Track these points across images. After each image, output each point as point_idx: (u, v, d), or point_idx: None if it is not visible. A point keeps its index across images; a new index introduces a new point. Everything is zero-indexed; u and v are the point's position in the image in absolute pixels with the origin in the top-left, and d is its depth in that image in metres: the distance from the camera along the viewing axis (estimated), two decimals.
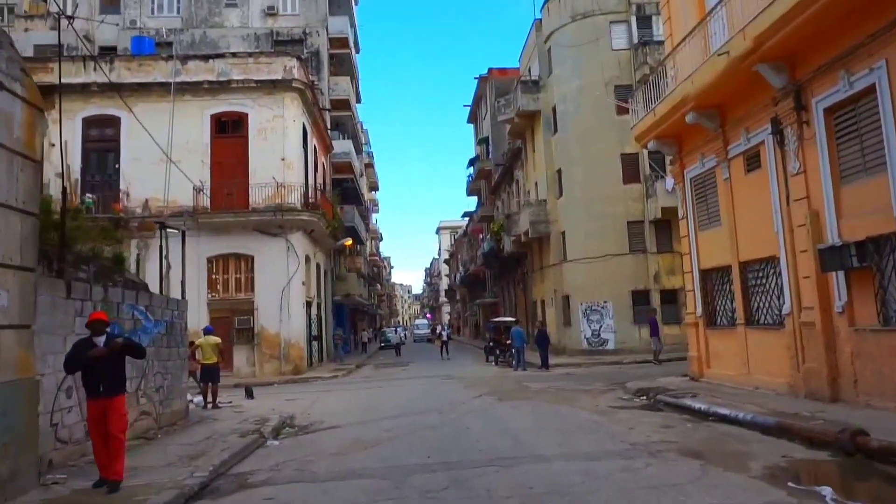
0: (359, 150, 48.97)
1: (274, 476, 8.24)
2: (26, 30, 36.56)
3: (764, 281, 13.10)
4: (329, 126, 37.21)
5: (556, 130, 30.89)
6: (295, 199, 26.14)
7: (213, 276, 26.15)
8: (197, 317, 25.34)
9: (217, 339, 16.35)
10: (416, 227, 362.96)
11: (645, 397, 14.37)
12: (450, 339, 34.38)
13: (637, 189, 28.13)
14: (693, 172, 15.70)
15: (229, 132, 26.92)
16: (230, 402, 17.14)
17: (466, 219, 71.52)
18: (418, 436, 10.63)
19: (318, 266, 31.22)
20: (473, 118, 59.34)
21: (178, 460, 8.92)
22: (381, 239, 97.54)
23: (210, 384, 15.91)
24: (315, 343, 29.42)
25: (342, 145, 38.74)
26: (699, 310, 15.71)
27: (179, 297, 25.01)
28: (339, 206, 36.20)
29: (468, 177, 59.20)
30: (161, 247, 17.90)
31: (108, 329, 7.70)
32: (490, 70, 49.37)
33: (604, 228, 28.19)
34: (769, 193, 12.40)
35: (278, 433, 11.92)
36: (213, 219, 25.60)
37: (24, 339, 7.19)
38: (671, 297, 27.69)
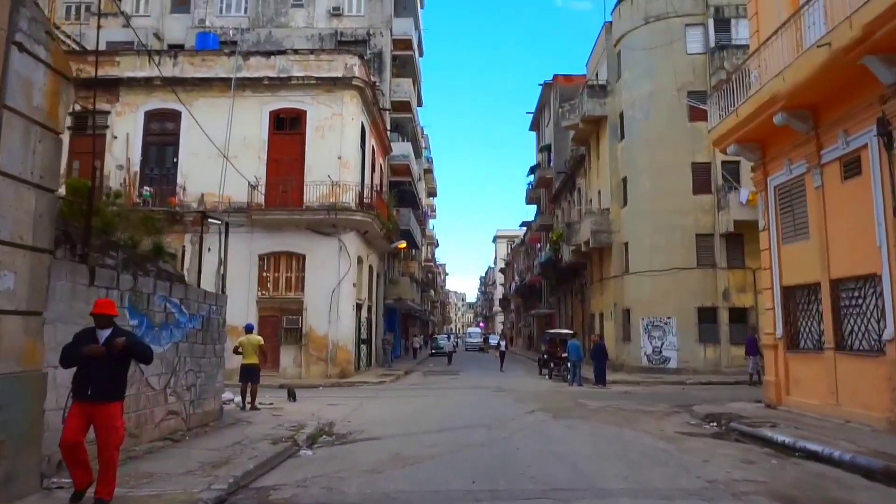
0: (418, 154, 48.44)
1: (298, 494, 7.38)
2: (100, 27, 37.42)
3: (860, 301, 11.59)
4: (389, 128, 36.71)
5: (622, 137, 29.50)
6: (350, 198, 25.58)
7: (264, 274, 25.80)
8: (245, 314, 25.15)
9: (258, 339, 15.74)
10: (472, 234, 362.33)
11: (715, 424, 13.00)
12: (507, 351, 33.45)
13: (708, 200, 26.48)
14: (778, 180, 14.25)
15: (287, 129, 26.58)
16: (271, 404, 16.52)
17: (524, 228, 70.22)
18: (462, 455, 9.64)
19: (370, 268, 30.62)
20: (536, 126, 58.15)
21: (198, 468, 8.16)
22: (437, 245, 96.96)
23: (250, 384, 15.27)
24: (363, 347, 28.76)
25: (401, 148, 38.17)
26: (779, 331, 14.22)
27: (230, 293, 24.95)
28: (395, 208, 35.60)
29: (528, 185, 58.03)
30: (201, 239, 17.44)
31: (128, 323, 6.91)
32: (555, 76, 48.21)
33: (670, 240, 26.64)
34: (871, 203, 10.94)
35: (314, 442, 11.12)
36: (267, 216, 25.27)
37: (32, 326, 6.53)
38: (741, 316, 25.90)
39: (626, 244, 28.75)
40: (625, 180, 29.10)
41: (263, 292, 25.60)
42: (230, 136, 25.89)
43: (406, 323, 51.71)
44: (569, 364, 23.27)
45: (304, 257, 25.73)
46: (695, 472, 8.27)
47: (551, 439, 10.90)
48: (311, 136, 26.16)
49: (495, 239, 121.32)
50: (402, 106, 39.19)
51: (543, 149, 50.94)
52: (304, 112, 26.35)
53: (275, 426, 12.17)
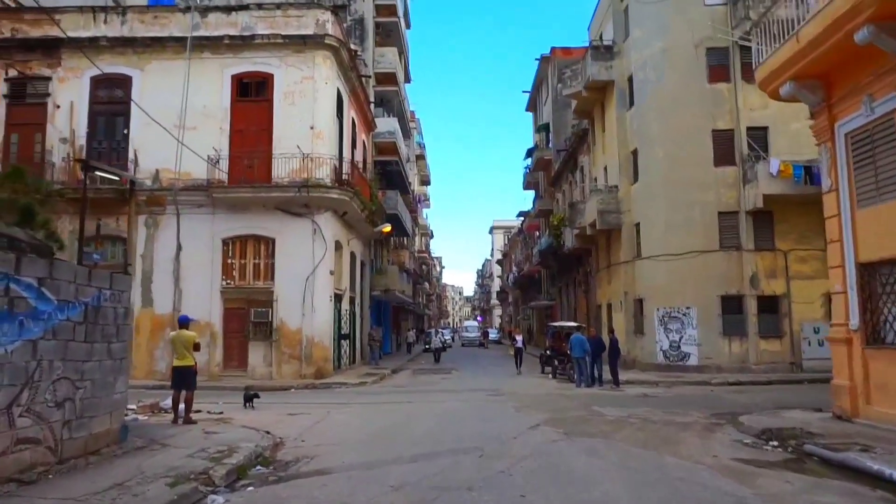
0: (406, 134, 45.19)
1: None
2: None
3: None
4: (372, 101, 33.48)
5: (631, 104, 26.30)
6: (324, 174, 22.39)
7: (229, 261, 22.61)
8: (208, 306, 22.09)
9: (191, 335, 12.52)
10: (469, 229, 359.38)
11: (778, 444, 9.88)
12: (525, 348, 29.08)
13: (731, 173, 23.32)
14: (852, 124, 11.11)
15: (252, 95, 23.36)
16: (220, 414, 13.50)
17: (521, 219, 67.09)
18: None
19: (352, 255, 27.45)
20: (533, 105, 54.91)
21: None
22: (432, 236, 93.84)
23: (183, 392, 12.14)
24: (345, 343, 25.60)
25: (387, 124, 34.93)
26: (854, 321, 11.10)
27: (175, 280, 21.77)
28: (380, 190, 32.42)
29: (525, 168, 54.79)
30: (129, 217, 14.26)
31: None
32: (553, 49, 44.96)
33: (689, 220, 23.49)
34: None
35: (239, 477, 7.99)
36: (230, 194, 22.10)
37: None
38: (771, 306, 22.77)
39: (638, 225, 25.59)
40: (635, 153, 25.92)
41: (228, 281, 22.44)
42: (187, 104, 22.79)
43: (398, 317, 48.59)
44: (575, 361, 20.13)
45: (273, 241, 22.56)
46: None
47: (570, 476, 7.74)
48: (280, 104, 22.95)
49: (492, 230, 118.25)
50: (387, 78, 35.99)
51: (541, 128, 47.72)
52: (271, 76, 23.12)
53: (196, 451, 9.05)
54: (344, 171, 24.27)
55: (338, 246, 24.59)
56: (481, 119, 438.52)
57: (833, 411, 11.57)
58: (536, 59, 47.77)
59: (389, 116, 36.60)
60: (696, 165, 23.52)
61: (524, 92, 55.52)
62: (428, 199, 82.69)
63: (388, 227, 26.90)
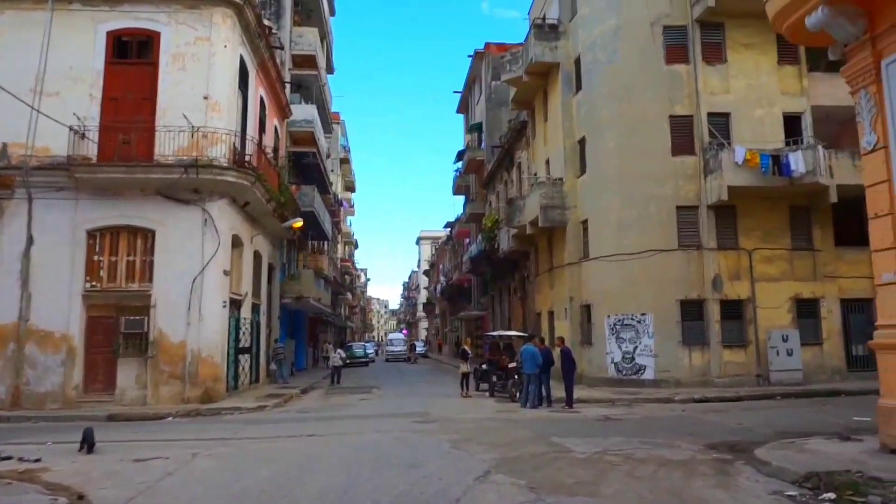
0: (328, 128, 41.34)
1: None
2: None
3: None
4: (288, 82, 29.58)
5: (578, 88, 23.53)
6: (220, 153, 18.47)
7: (96, 258, 18.31)
8: (66, 313, 17.71)
9: None
10: (396, 242, 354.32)
11: (836, 497, 6.83)
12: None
13: (691, 163, 20.76)
14: None
15: (132, 57, 19.32)
16: (35, 462, 9.54)
17: (448, 229, 64.09)
18: None
19: (257, 256, 23.44)
20: (464, 106, 52.11)
21: None
22: (357, 246, 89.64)
23: None
24: (244, 358, 21.49)
25: (304, 111, 31.04)
26: None
27: (22, 282, 17.41)
28: (294, 184, 28.54)
29: (455, 172, 51.79)
30: None
31: None
32: (487, 45, 42.32)
33: (644, 215, 20.78)
34: None
35: None
36: (99, 174, 17.94)
37: None
38: (735, 311, 20.25)
39: (586, 222, 22.74)
40: (582, 142, 23.11)
41: (94, 283, 18.13)
42: (47, 65, 18.55)
43: (315, 329, 44.36)
44: (526, 378, 16.80)
45: (153, 234, 18.42)
46: None
47: None
48: (168, 68, 18.96)
49: (419, 241, 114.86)
50: (307, 62, 32.17)
51: (473, 128, 44.85)
52: (157, 34, 19.12)
53: None
54: (247, 154, 20.34)
55: (237, 242, 20.61)
56: (408, 126, 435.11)
57: (884, 442, 8.69)
58: (469, 56, 45.05)
59: (307, 103, 32.72)
60: (651, 155, 20.88)
61: (455, 92, 52.71)
62: (352, 206, 78.70)
63: (299, 223, 23.01)
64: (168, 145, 18.16)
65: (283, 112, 28.52)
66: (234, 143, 19.17)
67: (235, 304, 20.74)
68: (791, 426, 12.22)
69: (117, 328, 17.83)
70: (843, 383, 19.49)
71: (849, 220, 21.77)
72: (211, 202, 18.60)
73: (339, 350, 28.72)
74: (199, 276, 18.09)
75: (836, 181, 19.75)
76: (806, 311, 20.50)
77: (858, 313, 21.20)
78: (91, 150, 18.11)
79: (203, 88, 18.94)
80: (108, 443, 11.01)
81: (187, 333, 17.89)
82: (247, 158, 19.99)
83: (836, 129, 22.57)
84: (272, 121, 26.39)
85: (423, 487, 7.52)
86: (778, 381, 19.23)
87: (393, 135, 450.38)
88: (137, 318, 17.88)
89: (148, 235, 18.45)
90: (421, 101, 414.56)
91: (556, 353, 17.83)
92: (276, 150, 25.89)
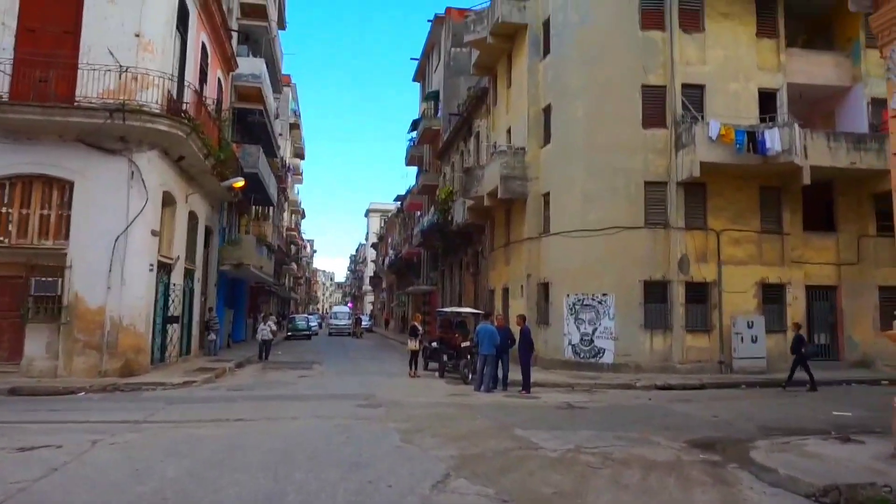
0: (277, 87, 38.96)
1: None
2: None
3: None
4: (235, 31, 27.30)
5: (546, 52, 22.15)
6: (152, 98, 16.41)
7: (4, 210, 16.16)
8: None
9: None
10: (344, 214, 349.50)
11: None
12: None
13: (662, 136, 19.67)
14: None
15: None
16: None
17: (399, 203, 62.36)
18: None
19: (193, 217, 21.44)
20: (421, 74, 50.18)
21: None
22: (304, 216, 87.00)
23: None
24: (172, 328, 19.58)
25: (251, 65, 28.78)
26: None
27: None
28: (237, 142, 26.43)
29: (409, 141, 49.99)
30: None
31: None
32: (448, 9, 40.46)
33: (611, 189, 19.66)
34: None
35: None
36: (10, 114, 15.67)
37: None
38: (700, 295, 19.42)
39: (548, 195, 21.51)
40: (548, 110, 21.80)
41: (1, 238, 15.97)
42: None
43: (256, 299, 42.31)
44: (484, 358, 15.48)
45: (71, 186, 16.35)
46: None
47: None
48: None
49: (368, 213, 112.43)
50: (256, 11, 29.90)
51: (429, 97, 43.10)
52: None
53: None
54: (184, 102, 18.29)
55: (169, 200, 18.64)
56: (362, 94, 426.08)
57: None
58: (429, 21, 43.16)
59: (256, 56, 30.43)
60: (621, 126, 19.72)
61: (412, 59, 50.75)
62: (301, 174, 76.07)
63: (240, 182, 21.05)
64: (92, 87, 16.02)
65: (228, 63, 26.29)
66: (168, 90, 17.13)
67: (165, 269, 18.81)
68: (771, 420, 11.31)
69: (26, 290, 15.76)
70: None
71: (816, 204, 21.22)
72: (139, 153, 16.58)
73: (268, 321, 24.41)
74: (122, 235, 16.14)
75: (810, 162, 18.99)
76: (771, 296, 19.82)
77: (822, 301, 20.71)
78: (2, 86, 15.87)
79: (135, 25, 16.84)
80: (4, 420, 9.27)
81: (107, 299, 15.98)
82: (183, 107, 17.98)
83: (808, 110, 21.90)
84: (215, 71, 24.19)
85: (370, 497, 6.11)
86: (741, 369, 18.52)
87: (346, 103, 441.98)
88: (50, 279, 15.83)
89: (66, 187, 16.36)
90: (376, 67, 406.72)
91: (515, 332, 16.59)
92: (219, 103, 23.74)
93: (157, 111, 16.39)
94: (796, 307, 19.96)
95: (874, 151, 19.89)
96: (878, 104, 21.20)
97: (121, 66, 16.16)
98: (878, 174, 20.14)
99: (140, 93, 16.32)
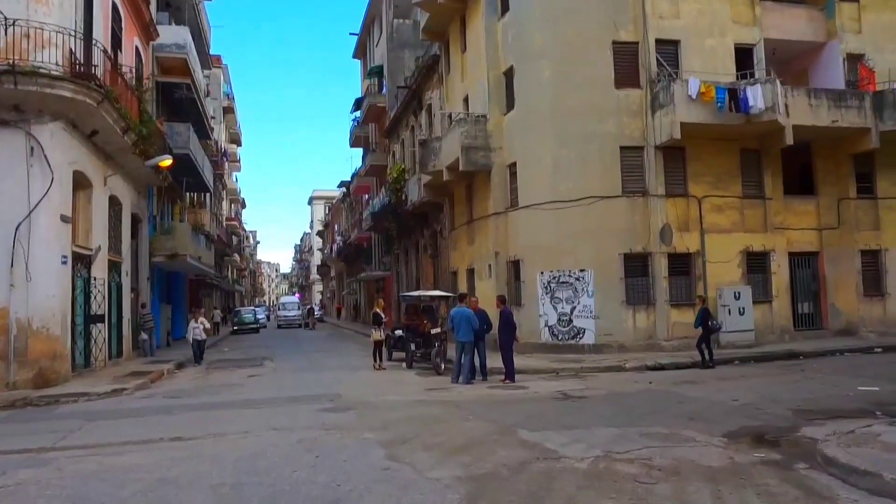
0: (205, 62, 35.98)
1: None
2: None
3: None
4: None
5: (505, 10, 20.29)
6: (51, 58, 13.83)
7: None
8: None
9: None
10: (286, 203, 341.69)
11: None
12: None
13: (636, 97, 18.08)
14: None
15: None
16: None
17: (343, 189, 59.76)
18: None
19: (114, 202, 18.85)
20: (362, 50, 47.61)
21: None
22: (244, 206, 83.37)
23: None
24: (97, 328, 17.03)
25: (174, 34, 25.96)
26: None
27: None
28: (163, 119, 23.72)
29: (353, 121, 47.46)
30: None
31: None
32: None
33: (584, 156, 18.01)
34: None
35: None
36: None
37: None
38: (683, 266, 18.04)
39: (514, 165, 19.75)
40: (509, 73, 19.99)
41: None
42: None
43: (197, 293, 39.42)
44: (461, 346, 13.60)
45: None
46: None
47: None
48: None
49: (311, 201, 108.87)
50: None
51: (372, 72, 40.68)
52: None
53: None
54: (94, 66, 15.69)
55: (83, 181, 16.09)
56: (298, 76, 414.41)
57: None
58: None
59: (179, 24, 27.59)
60: (592, 87, 18.05)
61: (352, 34, 48.14)
62: (238, 161, 72.48)
63: (167, 160, 18.46)
64: None
65: (147, 31, 23.47)
66: (71, 49, 14.57)
67: (84, 262, 16.27)
68: (799, 402, 9.88)
69: None
70: (794, 344, 17.82)
71: (794, 167, 20.13)
72: (40, 125, 14.00)
73: (199, 319, 19.80)
74: (24, 223, 13.60)
75: (792, 121, 17.76)
76: (756, 265, 18.62)
77: (805, 268, 19.66)
78: None
79: None
80: None
81: (11, 298, 13.49)
82: (93, 72, 15.40)
83: (780, 68, 20.70)
84: (131, 39, 21.43)
85: None
86: (729, 343, 17.24)
87: (282, 85, 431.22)
88: None
89: None
90: (313, 47, 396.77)
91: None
92: (138, 72, 21.04)
93: (58, 74, 13.84)
94: (780, 275, 18.83)
95: (855, 109, 18.88)
96: (853, 60, 20.29)
97: (6, 17, 13.53)
98: (858, 133, 19.25)
99: (36, 53, 13.75)
